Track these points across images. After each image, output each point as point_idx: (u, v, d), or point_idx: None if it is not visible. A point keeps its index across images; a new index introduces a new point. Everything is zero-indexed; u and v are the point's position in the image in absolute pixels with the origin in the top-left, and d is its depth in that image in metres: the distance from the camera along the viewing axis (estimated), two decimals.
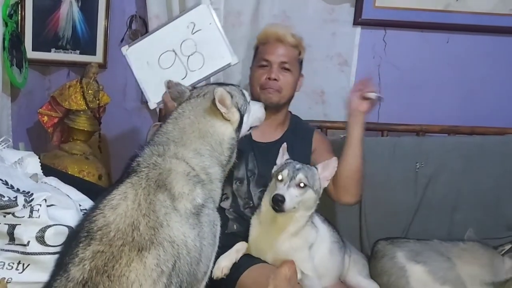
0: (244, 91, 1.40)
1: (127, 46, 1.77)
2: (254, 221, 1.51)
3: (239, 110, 1.30)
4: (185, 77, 1.72)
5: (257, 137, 1.68)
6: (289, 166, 1.41)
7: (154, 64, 1.73)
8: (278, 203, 1.33)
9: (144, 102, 2.41)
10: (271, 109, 1.67)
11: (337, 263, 1.59)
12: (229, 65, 1.74)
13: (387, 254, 1.70)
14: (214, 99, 1.24)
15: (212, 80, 1.99)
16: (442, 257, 1.67)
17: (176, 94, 1.36)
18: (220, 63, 1.74)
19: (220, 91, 1.24)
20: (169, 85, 1.38)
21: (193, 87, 1.43)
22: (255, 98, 1.68)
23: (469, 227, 1.88)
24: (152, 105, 1.75)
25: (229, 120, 1.28)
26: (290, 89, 1.72)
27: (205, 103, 1.28)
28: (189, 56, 1.73)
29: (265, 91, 1.69)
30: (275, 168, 1.49)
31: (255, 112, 1.42)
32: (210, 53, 1.73)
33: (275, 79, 1.67)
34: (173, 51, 1.72)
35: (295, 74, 1.74)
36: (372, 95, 1.57)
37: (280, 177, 1.40)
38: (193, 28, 1.72)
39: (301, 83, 1.81)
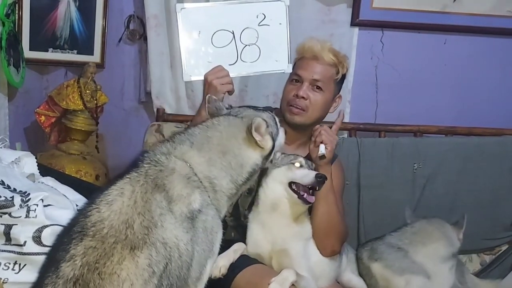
0: (277, 118, 1.39)
1: (182, 4, 1.59)
2: (251, 216, 1.52)
3: (272, 138, 1.29)
4: (234, 64, 1.59)
5: None
6: (298, 156, 1.50)
7: (206, 37, 1.57)
8: (322, 181, 1.39)
9: (142, 101, 2.43)
10: (294, 128, 1.62)
11: (335, 266, 1.59)
12: (280, 71, 1.64)
13: (359, 257, 1.73)
14: (250, 125, 1.24)
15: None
16: (393, 249, 1.69)
17: (213, 110, 1.35)
18: (274, 66, 1.63)
19: (258, 121, 1.24)
20: (210, 100, 1.36)
21: (230, 105, 1.41)
22: (282, 113, 1.63)
23: (467, 227, 1.88)
24: (187, 77, 1.60)
25: (262, 148, 1.27)
26: (318, 109, 1.60)
27: (241, 126, 1.27)
28: (246, 46, 1.59)
29: (291, 108, 1.60)
30: (279, 158, 1.49)
31: (280, 139, 1.39)
32: (268, 51, 1.61)
33: (302, 97, 1.58)
34: (232, 33, 1.58)
35: (328, 95, 1.62)
36: (322, 148, 1.45)
37: (298, 164, 1.45)
38: (262, 20, 1.60)
39: (338, 104, 1.70)
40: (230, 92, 1.53)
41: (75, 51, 2.27)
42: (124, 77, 2.42)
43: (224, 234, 1.25)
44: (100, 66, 2.30)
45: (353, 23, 2.32)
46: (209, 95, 1.37)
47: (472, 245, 2.04)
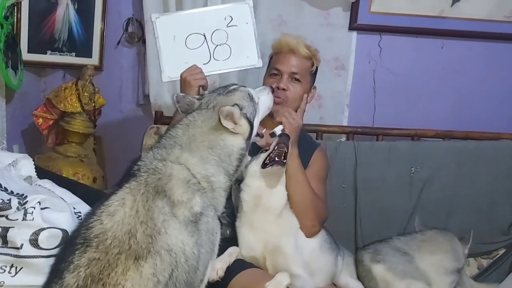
0: (251, 92, 1.38)
1: (157, 14, 1.77)
2: (238, 223, 1.53)
3: (248, 119, 1.29)
4: (208, 63, 1.74)
5: (261, 143, 1.68)
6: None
7: (180, 40, 1.73)
8: (287, 136, 1.44)
9: (141, 104, 2.43)
10: None
11: (329, 262, 1.60)
12: (252, 67, 1.78)
13: (359, 260, 1.72)
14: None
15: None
16: (398, 252, 1.68)
17: (185, 107, 1.35)
18: (245, 62, 1.77)
19: (225, 110, 1.23)
20: (178, 99, 1.37)
21: (201, 95, 1.43)
22: None
23: (464, 232, 1.88)
24: (165, 78, 1.76)
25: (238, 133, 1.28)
26: (298, 99, 1.69)
27: (215, 117, 1.27)
28: (217, 46, 1.74)
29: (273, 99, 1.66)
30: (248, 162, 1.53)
31: (263, 103, 1.42)
32: (238, 49, 1.75)
33: (283, 89, 1.67)
34: (203, 35, 1.74)
35: (305, 86, 1.72)
36: (277, 129, 1.50)
37: (264, 151, 1.49)
38: (230, 22, 1.74)
39: (313, 95, 1.81)
40: (204, 87, 1.63)
41: (74, 54, 2.27)
42: (122, 79, 2.42)
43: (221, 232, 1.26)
44: (98, 68, 2.30)
45: (351, 27, 2.33)
46: (175, 94, 1.40)
47: (469, 249, 2.04)
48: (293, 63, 1.70)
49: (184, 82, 1.62)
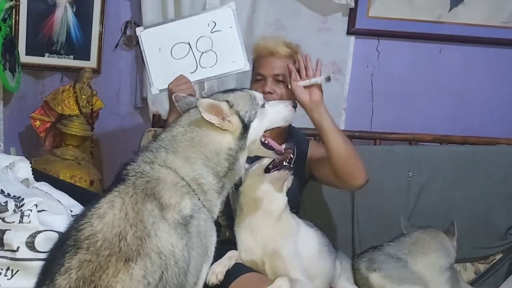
0: (255, 94, 1.31)
1: (142, 27, 1.79)
2: (237, 227, 1.53)
3: (240, 117, 1.23)
4: (194, 71, 1.75)
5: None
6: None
7: (166, 51, 1.75)
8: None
9: (138, 107, 2.43)
10: None
11: (327, 266, 1.60)
12: (240, 71, 1.78)
13: (356, 268, 1.72)
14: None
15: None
16: (392, 259, 1.69)
17: (185, 107, 1.32)
18: (232, 66, 1.77)
19: (204, 102, 1.17)
20: (177, 98, 1.33)
21: (205, 96, 1.43)
22: None
23: (461, 236, 1.89)
24: (155, 90, 1.78)
25: (227, 129, 1.22)
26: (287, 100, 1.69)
27: (197, 112, 1.21)
28: (203, 53, 1.75)
29: None
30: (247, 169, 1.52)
31: (277, 113, 1.35)
32: (224, 54, 1.75)
33: (269, 92, 1.65)
34: (188, 44, 1.75)
35: None
36: (317, 79, 1.53)
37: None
38: (213, 27, 1.75)
39: None
40: (192, 96, 1.59)
41: (72, 56, 2.27)
42: (120, 82, 2.42)
43: (218, 234, 1.25)
44: (96, 71, 2.30)
45: (349, 32, 2.35)
46: (174, 94, 1.38)
47: (466, 253, 2.05)
48: (275, 65, 1.67)
49: (171, 93, 1.59)
